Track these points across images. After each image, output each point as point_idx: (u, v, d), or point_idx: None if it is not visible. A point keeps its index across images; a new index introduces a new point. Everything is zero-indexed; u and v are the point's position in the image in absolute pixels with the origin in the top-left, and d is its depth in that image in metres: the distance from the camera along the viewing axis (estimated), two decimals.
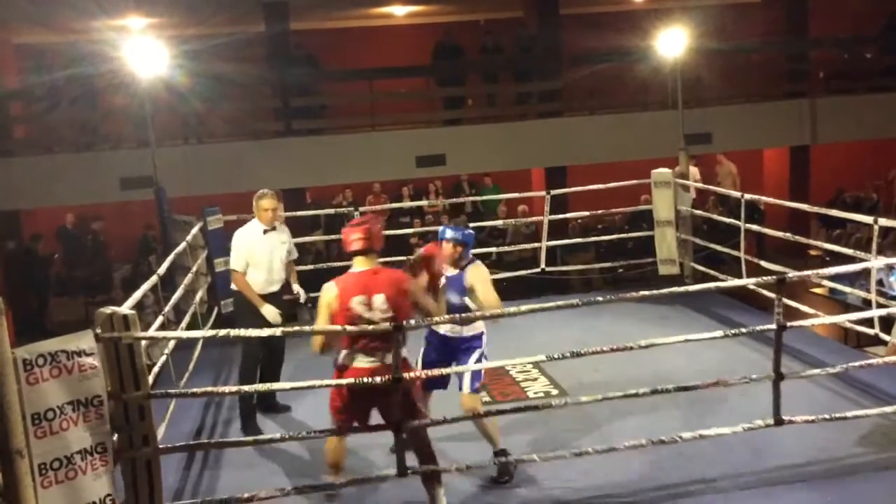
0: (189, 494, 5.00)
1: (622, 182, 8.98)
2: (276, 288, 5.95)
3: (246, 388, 5.40)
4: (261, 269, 5.87)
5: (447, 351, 4.99)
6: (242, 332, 4.48)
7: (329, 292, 4.34)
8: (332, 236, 11.04)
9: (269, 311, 5.79)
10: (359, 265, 4.41)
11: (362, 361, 4.32)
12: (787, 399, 4.86)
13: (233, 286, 5.99)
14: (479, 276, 4.93)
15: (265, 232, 5.95)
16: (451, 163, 13.36)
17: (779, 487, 4.71)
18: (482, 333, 5.01)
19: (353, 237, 4.40)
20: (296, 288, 6.18)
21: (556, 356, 4.69)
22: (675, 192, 8.68)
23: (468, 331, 4.93)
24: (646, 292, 4.89)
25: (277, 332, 5.06)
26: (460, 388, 4.94)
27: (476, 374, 4.93)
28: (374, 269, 4.39)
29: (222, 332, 4.48)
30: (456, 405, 4.92)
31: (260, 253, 5.87)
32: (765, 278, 5.12)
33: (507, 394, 6.29)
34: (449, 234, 4.94)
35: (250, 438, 4.51)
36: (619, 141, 13.37)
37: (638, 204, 10.62)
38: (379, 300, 4.29)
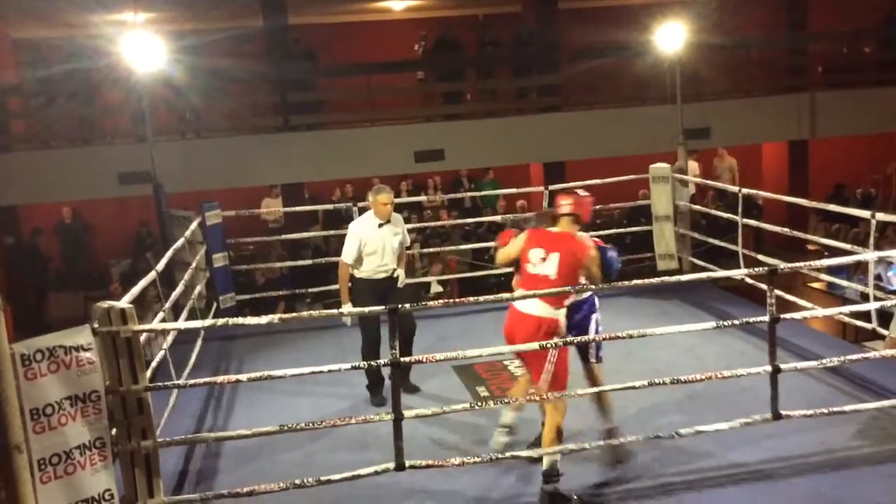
0: (188, 488, 5.01)
1: (620, 177, 8.98)
2: (384, 275, 6.18)
3: (244, 376, 5.38)
4: (374, 256, 6.11)
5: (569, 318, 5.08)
6: (241, 320, 4.49)
7: (522, 236, 4.89)
8: (331, 231, 11.00)
9: (348, 307, 6.03)
10: (559, 226, 4.83)
11: (524, 306, 4.69)
12: (786, 394, 4.87)
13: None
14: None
15: (380, 225, 6.13)
16: (450, 158, 13.35)
17: (777, 482, 4.72)
18: (592, 296, 5.17)
19: (563, 201, 4.84)
20: (398, 272, 6.31)
21: (549, 345, 4.69)
22: (674, 187, 8.68)
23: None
24: (639, 281, 4.89)
25: (275, 318, 4.93)
26: (583, 357, 5.07)
27: (598, 343, 5.08)
28: (565, 234, 4.78)
29: (220, 321, 4.48)
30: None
31: (373, 244, 6.09)
32: (757, 269, 5.13)
33: (506, 389, 6.29)
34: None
35: (248, 432, 4.50)
36: (618, 136, 13.37)
37: (636, 199, 10.61)
38: (553, 258, 4.69)
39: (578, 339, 4.90)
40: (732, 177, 14.35)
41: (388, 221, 6.16)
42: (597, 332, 5.13)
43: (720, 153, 14.74)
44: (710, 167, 14.61)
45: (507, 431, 5.10)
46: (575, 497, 4.61)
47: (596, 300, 5.22)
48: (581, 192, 4.90)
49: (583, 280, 4.82)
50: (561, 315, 4.72)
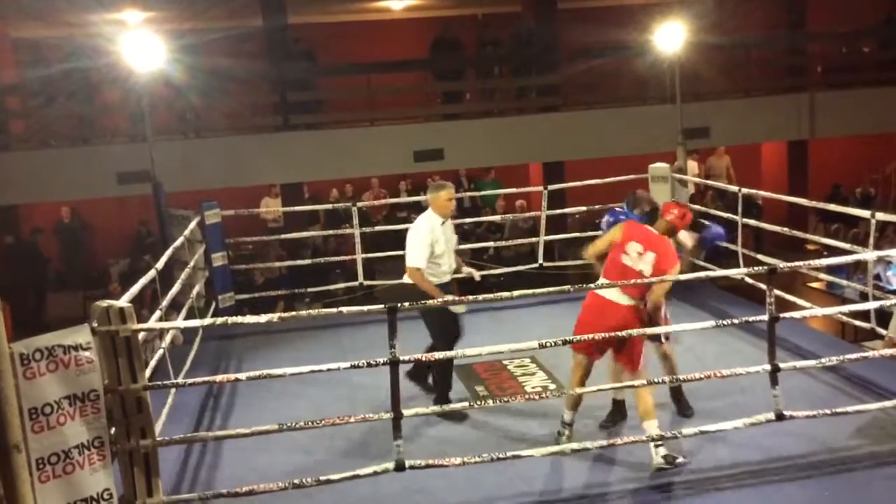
0: (187, 488, 5.00)
1: (620, 177, 8.98)
2: (449, 277, 5.99)
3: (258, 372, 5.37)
4: (443, 258, 5.87)
5: None
6: (241, 318, 4.48)
7: (618, 229, 5.19)
8: (330, 231, 11.00)
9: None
10: (657, 229, 5.14)
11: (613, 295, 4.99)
12: (788, 395, 4.88)
13: (408, 280, 5.84)
14: None
15: (442, 223, 5.91)
16: (449, 157, 13.34)
17: (779, 482, 4.71)
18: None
19: (673, 210, 5.21)
20: (466, 269, 6.17)
21: (548, 343, 4.72)
22: (673, 186, 8.67)
23: None
24: (637, 281, 4.91)
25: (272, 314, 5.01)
26: (653, 339, 5.38)
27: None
28: (665, 240, 5.10)
29: (219, 320, 4.49)
30: None
31: (441, 245, 5.84)
32: (756, 268, 5.14)
33: (505, 388, 6.30)
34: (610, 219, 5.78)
35: (248, 431, 4.49)
36: (617, 135, 13.36)
37: None
38: (650, 257, 4.98)
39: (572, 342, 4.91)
40: (728, 175, 14.37)
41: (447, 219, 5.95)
42: (665, 315, 5.46)
43: (717, 152, 14.76)
44: (705, 167, 14.65)
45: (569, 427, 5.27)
46: (682, 458, 4.84)
47: None
48: (684, 207, 5.29)
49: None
50: (640, 305, 5.03)
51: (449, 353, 5.14)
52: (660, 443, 4.82)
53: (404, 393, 4.65)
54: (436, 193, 5.93)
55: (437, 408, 4.84)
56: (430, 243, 5.76)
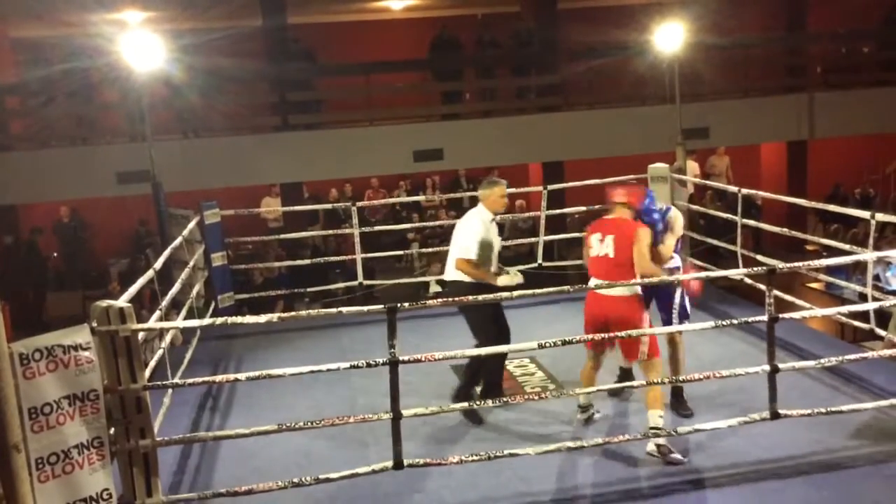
0: (186, 488, 5.00)
1: (619, 177, 8.97)
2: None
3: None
4: (494, 255, 5.80)
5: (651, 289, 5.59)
6: (240, 318, 4.49)
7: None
8: (330, 231, 11.00)
9: (505, 280, 5.72)
10: (613, 214, 5.34)
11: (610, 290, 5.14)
12: (784, 393, 4.88)
13: (459, 277, 5.76)
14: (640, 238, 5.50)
15: (492, 220, 5.85)
16: (449, 157, 13.35)
17: (775, 481, 4.72)
18: (678, 267, 5.79)
19: (617, 191, 5.44)
20: (509, 269, 6.02)
21: (547, 344, 4.73)
22: (672, 186, 8.67)
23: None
24: (637, 281, 4.91)
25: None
26: (668, 322, 5.65)
27: (683, 311, 5.69)
28: (619, 219, 5.30)
29: (219, 320, 4.49)
30: None
31: (494, 239, 5.81)
32: (755, 269, 5.15)
33: (505, 388, 6.29)
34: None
35: (247, 431, 4.50)
36: (617, 135, 13.36)
37: None
38: (609, 240, 5.19)
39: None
40: (727, 175, 14.37)
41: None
42: (682, 298, 5.66)
43: (718, 152, 14.77)
44: (706, 166, 14.65)
45: (584, 410, 5.50)
46: (680, 456, 4.92)
47: (681, 267, 5.84)
48: (632, 183, 5.40)
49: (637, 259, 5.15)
50: (637, 289, 5.16)
51: (448, 354, 5.14)
52: (660, 433, 4.89)
53: (403, 393, 4.64)
54: (490, 189, 5.86)
55: (436, 408, 4.83)
56: (482, 240, 5.71)
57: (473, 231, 5.74)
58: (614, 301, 5.13)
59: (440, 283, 6.16)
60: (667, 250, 5.61)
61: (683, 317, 5.69)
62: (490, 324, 5.78)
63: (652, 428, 4.94)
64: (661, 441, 4.92)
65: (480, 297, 5.34)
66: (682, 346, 5.68)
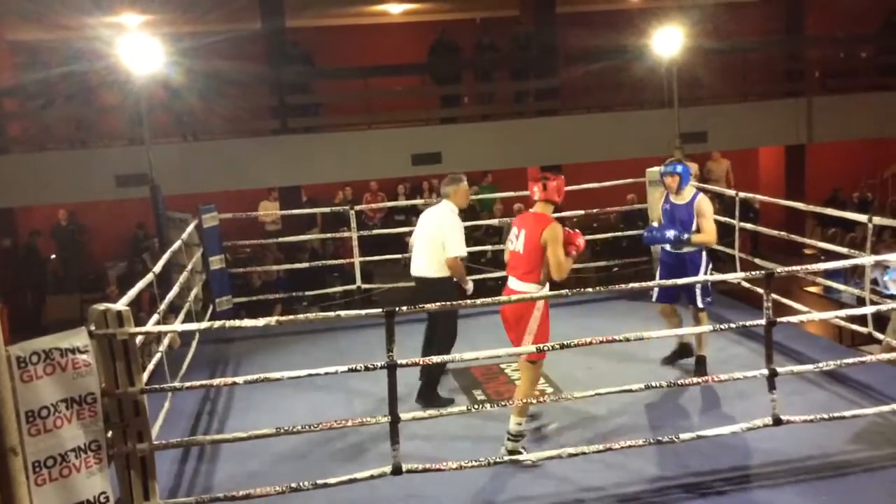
0: (184, 491, 4.99)
1: (617, 181, 8.98)
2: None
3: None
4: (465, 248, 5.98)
5: (676, 267, 6.04)
6: (238, 322, 4.49)
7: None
8: (329, 235, 11.00)
9: (470, 285, 6.06)
10: (535, 208, 5.23)
11: (512, 283, 5.17)
12: (785, 399, 4.88)
13: (444, 274, 5.93)
14: (703, 208, 6.04)
15: (458, 214, 6.03)
16: (447, 161, 13.34)
17: (776, 487, 4.71)
18: (702, 250, 6.06)
19: (535, 188, 5.24)
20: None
21: (544, 347, 4.71)
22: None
23: (687, 248, 6.03)
24: (635, 285, 4.91)
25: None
26: (692, 302, 6.06)
27: (705, 290, 6.02)
28: (536, 214, 5.17)
29: (217, 323, 4.48)
30: None
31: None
32: (753, 273, 5.15)
33: (502, 392, 6.30)
34: (665, 168, 6.23)
35: (245, 434, 4.49)
36: (615, 139, 13.39)
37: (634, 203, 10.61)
38: (522, 235, 5.12)
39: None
40: (727, 180, 14.38)
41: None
42: (707, 272, 6.01)
43: (715, 156, 14.77)
44: (703, 171, 14.64)
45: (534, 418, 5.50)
46: (530, 459, 4.90)
47: (703, 256, 6.09)
48: (550, 178, 5.21)
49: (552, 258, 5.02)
50: (530, 287, 5.05)
51: (446, 357, 5.14)
52: (515, 438, 5.00)
53: (402, 396, 4.64)
54: (457, 185, 6.03)
55: (434, 411, 4.84)
56: (462, 232, 5.93)
57: (457, 227, 5.89)
58: (513, 294, 5.09)
59: (415, 279, 6.16)
60: (710, 234, 5.98)
61: (706, 294, 6.04)
62: (455, 324, 6.00)
63: (508, 433, 5.01)
64: (514, 447, 4.98)
65: (479, 301, 5.33)
66: (706, 322, 6.09)
